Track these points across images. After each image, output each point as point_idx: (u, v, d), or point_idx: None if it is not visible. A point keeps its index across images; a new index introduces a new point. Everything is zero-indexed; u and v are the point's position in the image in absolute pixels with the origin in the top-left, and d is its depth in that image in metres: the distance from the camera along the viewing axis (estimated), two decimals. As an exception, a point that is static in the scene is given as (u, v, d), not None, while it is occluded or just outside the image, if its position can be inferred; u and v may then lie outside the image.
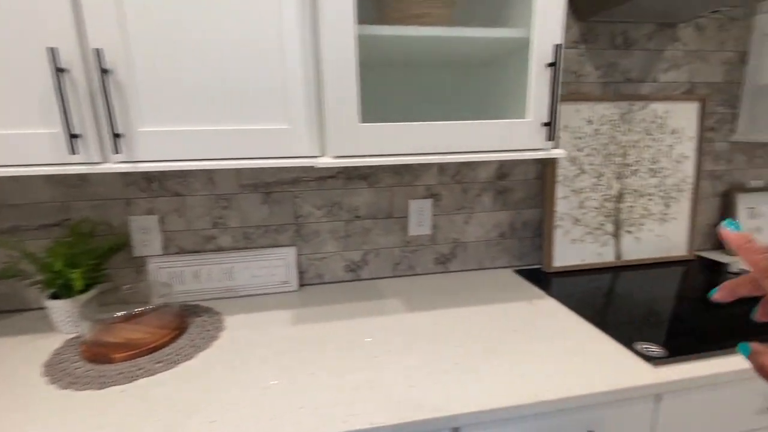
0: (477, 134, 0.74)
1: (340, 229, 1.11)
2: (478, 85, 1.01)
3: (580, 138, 1.13)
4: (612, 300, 0.97)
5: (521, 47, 0.75)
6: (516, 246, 1.22)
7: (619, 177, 1.17)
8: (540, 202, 1.20)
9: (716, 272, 1.14)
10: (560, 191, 1.14)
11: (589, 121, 1.13)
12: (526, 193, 1.19)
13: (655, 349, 0.75)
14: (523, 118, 0.75)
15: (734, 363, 0.71)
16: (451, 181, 1.14)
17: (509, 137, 0.75)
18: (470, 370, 0.71)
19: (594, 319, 0.87)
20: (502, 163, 1.15)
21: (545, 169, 1.15)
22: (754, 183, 1.34)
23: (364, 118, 0.73)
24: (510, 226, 1.20)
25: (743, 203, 1.30)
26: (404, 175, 1.11)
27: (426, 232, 1.15)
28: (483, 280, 1.13)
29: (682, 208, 1.23)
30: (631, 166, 1.17)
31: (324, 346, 0.80)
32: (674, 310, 0.90)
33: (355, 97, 0.68)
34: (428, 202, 1.13)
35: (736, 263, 1.13)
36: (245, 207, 1.05)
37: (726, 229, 0.33)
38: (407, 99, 1.00)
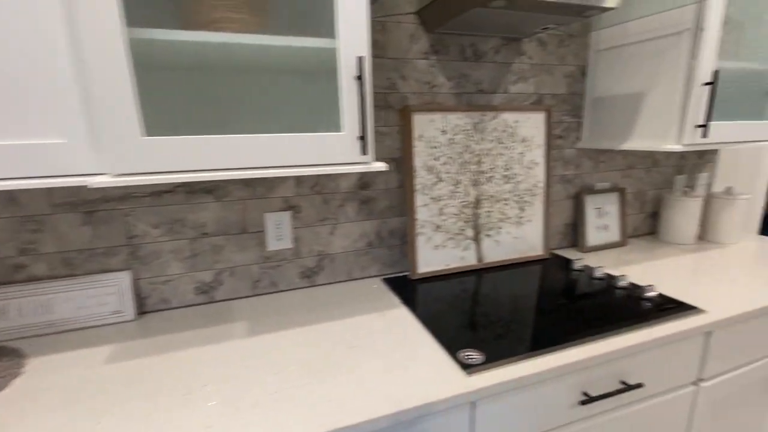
0: (291, 148, 0.71)
1: (185, 248, 1.01)
2: (300, 96, 0.96)
3: (435, 147, 1.15)
4: (459, 305, 0.99)
5: (332, 58, 0.73)
6: (386, 254, 1.22)
7: (476, 184, 1.22)
8: (405, 210, 1.21)
9: (566, 269, 1.23)
10: (419, 200, 1.15)
11: (444, 131, 1.15)
12: (389, 201, 1.19)
13: (475, 356, 0.77)
14: (339, 131, 0.73)
15: (548, 362, 0.75)
16: (310, 192, 1.10)
17: (325, 151, 0.73)
18: (287, 399, 0.67)
19: (434, 328, 0.88)
20: (362, 174, 1.14)
21: (404, 178, 1.16)
22: (599, 185, 1.48)
23: (155, 131, 0.66)
24: (377, 235, 1.20)
25: (591, 204, 1.42)
26: (256, 187, 1.05)
27: (287, 246, 1.10)
28: (349, 292, 1.11)
29: (536, 210, 1.31)
30: (486, 173, 1.23)
31: (131, 387, 0.71)
32: (511, 313, 0.95)
33: (132, 106, 0.61)
34: (286, 215, 1.08)
35: (581, 260, 1.23)
36: (62, 229, 0.91)
37: None
38: (223, 109, 0.92)
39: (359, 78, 0.70)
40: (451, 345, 0.81)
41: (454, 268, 1.22)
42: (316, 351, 0.81)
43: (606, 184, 1.49)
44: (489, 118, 1.20)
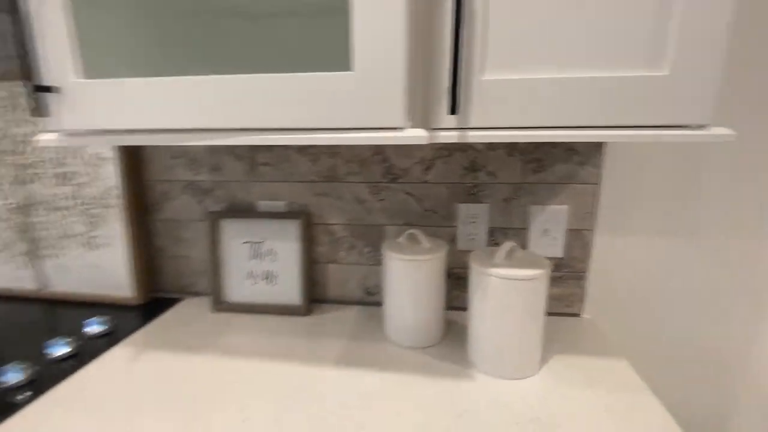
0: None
1: None
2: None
3: (-42, 129, 0.88)
4: None
5: None
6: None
7: (21, 182, 0.89)
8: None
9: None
10: (-47, 195, 0.92)
11: (-33, 108, 0.87)
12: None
13: None
14: None
15: None
16: None
17: None
18: None
19: None
20: None
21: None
22: (265, 205, 0.87)
23: None
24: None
25: (235, 234, 0.85)
26: None
27: None
28: None
29: (114, 230, 0.87)
30: (31, 167, 0.87)
31: None
32: None
33: None
34: None
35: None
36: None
37: None
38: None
39: None
40: None
41: (10, 291, 0.94)
42: None
43: (278, 204, 0.86)
44: (24, 89, 0.84)
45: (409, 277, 0.68)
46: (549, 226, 0.77)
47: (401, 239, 0.74)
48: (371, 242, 0.85)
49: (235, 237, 0.86)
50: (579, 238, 0.77)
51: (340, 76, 0.44)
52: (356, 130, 0.46)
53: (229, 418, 0.54)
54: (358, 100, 0.44)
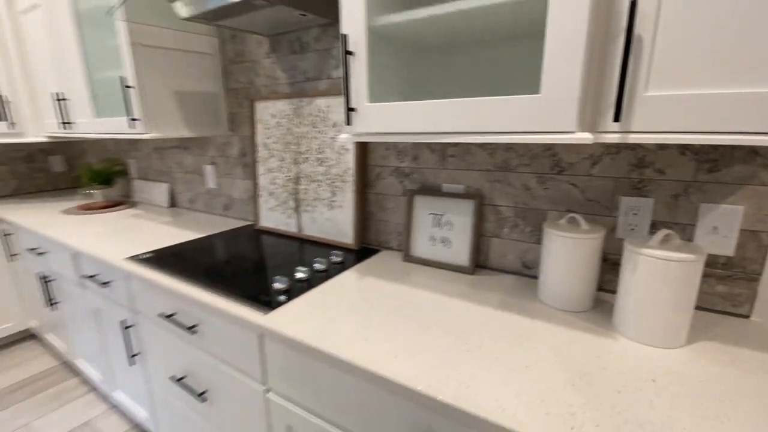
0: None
1: (182, 178, 1.93)
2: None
3: (268, 129, 1.44)
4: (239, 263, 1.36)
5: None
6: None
7: (296, 162, 1.39)
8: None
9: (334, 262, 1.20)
10: (260, 169, 1.50)
11: (273, 115, 1.42)
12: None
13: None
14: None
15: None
16: (218, 154, 1.71)
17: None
18: (104, 241, 1.46)
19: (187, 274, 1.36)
20: (243, 144, 1.62)
21: (251, 152, 1.52)
22: (447, 187, 1.13)
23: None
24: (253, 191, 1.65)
25: (425, 207, 1.15)
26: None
27: (213, 186, 1.79)
28: (218, 227, 1.67)
29: (346, 198, 1.28)
30: (304, 154, 1.36)
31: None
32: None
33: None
34: (211, 168, 1.77)
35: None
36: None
37: None
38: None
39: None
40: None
41: (282, 231, 1.48)
42: (144, 234, 1.52)
43: (458, 187, 1.11)
44: (305, 104, 1.32)
45: (566, 252, 0.84)
46: (719, 224, 0.79)
47: (562, 221, 0.89)
48: (533, 223, 1.02)
49: (424, 209, 1.16)
50: (755, 239, 0.77)
51: (530, 98, 0.65)
52: (535, 134, 0.66)
53: (413, 326, 0.82)
54: (541, 113, 0.64)
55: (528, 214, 1.03)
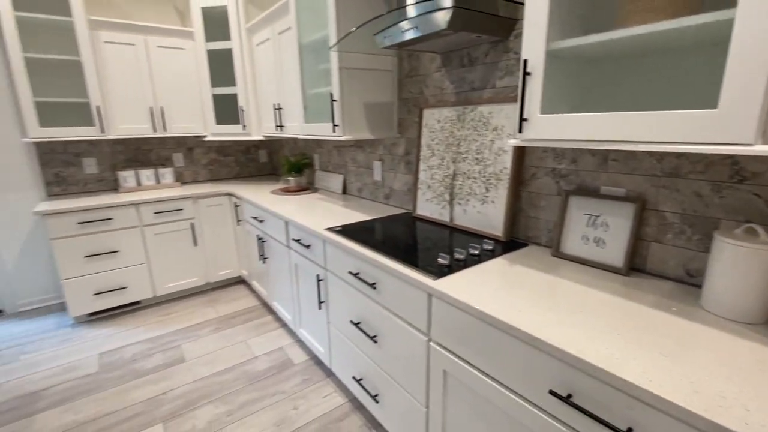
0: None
1: (354, 170, 2.37)
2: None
3: (432, 132, 1.70)
4: (418, 242, 1.69)
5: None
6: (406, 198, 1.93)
7: (455, 161, 1.61)
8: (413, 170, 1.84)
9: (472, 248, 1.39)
10: (421, 166, 1.78)
11: (438, 120, 1.66)
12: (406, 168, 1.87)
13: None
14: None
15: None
16: (386, 152, 2.06)
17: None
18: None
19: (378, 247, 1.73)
20: (408, 145, 1.92)
21: (415, 150, 1.80)
22: (606, 189, 1.17)
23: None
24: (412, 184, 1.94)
25: (580, 208, 1.23)
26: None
27: (378, 178, 2.16)
28: (381, 212, 2.02)
29: (500, 194, 1.44)
30: (463, 154, 1.57)
31: None
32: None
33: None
34: (379, 164, 2.13)
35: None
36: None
37: None
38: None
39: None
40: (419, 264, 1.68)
41: (436, 219, 1.73)
42: (330, 213, 1.96)
43: (619, 191, 1.15)
44: (468, 110, 1.52)
45: (741, 261, 0.84)
46: None
47: (738, 230, 0.88)
48: (702, 231, 1.01)
49: (579, 209, 1.23)
50: None
51: (707, 113, 0.70)
52: (710, 145, 0.71)
53: (564, 306, 0.93)
54: (717, 126, 0.69)
55: (697, 222, 1.01)
